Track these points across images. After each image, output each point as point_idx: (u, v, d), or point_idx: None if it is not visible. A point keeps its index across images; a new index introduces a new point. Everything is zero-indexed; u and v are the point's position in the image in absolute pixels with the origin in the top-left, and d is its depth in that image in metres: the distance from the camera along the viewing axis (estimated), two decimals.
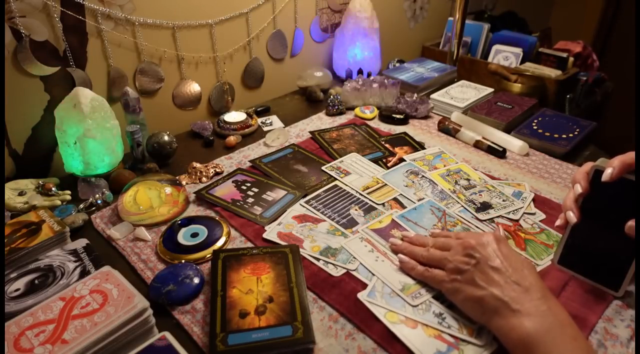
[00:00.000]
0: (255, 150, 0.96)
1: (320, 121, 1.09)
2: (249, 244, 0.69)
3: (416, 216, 0.72)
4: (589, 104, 1.56)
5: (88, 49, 0.87)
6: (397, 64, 1.40)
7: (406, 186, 0.81)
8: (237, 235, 0.71)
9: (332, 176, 0.85)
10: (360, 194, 0.79)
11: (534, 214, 0.74)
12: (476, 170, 0.86)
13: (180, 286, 0.58)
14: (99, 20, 0.86)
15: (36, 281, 0.58)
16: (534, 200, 0.77)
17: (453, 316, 0.54)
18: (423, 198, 0.77)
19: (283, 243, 0.67)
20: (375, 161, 0.89)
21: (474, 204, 0.76)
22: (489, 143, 0.93)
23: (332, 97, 1.12)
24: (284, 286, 0.58)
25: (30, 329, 0.48)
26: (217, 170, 0.87)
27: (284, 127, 1.05)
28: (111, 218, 0.75)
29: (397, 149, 0.94)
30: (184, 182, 0.83)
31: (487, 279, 0.51)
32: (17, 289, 0.57)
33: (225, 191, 0.80)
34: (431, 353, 0.50)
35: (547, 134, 0.96)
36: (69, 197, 0.79)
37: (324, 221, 0.72)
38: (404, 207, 0.75)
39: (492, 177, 0.84)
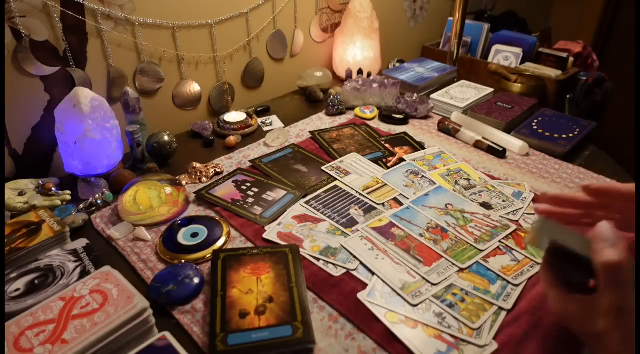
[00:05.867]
0: (255, 150, 0.96)
1: (320, 121, 1.09)
2: (249, 244, 0.69)
3: (410, 215, 0.72)
4: (589, 104, 1.56)
5: (88, 49, 0.87)
6: (397, 64, 1.40)
7: (406, 186, 0.81)
8: (237, 235, 0.71)
9: (332, 176, 0.84)
10: (360, 194, 0.79)
11: (533, 214, 0.74)
12: (476, 170, 0.86)
13: (180, 286, 0.58)
14: (99, 20, 0.86)
15: (36, 281, 0.58)
16: (533, 200, 0.77)
17: (453, 316, 0.54)
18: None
19: (283, 243, 0.67)
20: (375, 161, 0.89)
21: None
22: (489, 143, 0.93)
23: (332, 97, 1.12)
24: (284, 286, 0.58)
25: (30, 329, 0.48)
26: (217, 170, 0.87)
27: (284, 127, 1.05)
28: (111, 218, 0.75)
29: (397, 149, 0.94)
30: (184, 182, 0.83)
31: None
32: (17, 289, 0.57)
33: (225, 191, 0.80)
34: (431, 353, 0.50)
35: (547, 134, 0.96)
36: (69, 197, 0.79)
37: (324, 221, 0.72)
38: None
39: (492, 177, 0.84)
